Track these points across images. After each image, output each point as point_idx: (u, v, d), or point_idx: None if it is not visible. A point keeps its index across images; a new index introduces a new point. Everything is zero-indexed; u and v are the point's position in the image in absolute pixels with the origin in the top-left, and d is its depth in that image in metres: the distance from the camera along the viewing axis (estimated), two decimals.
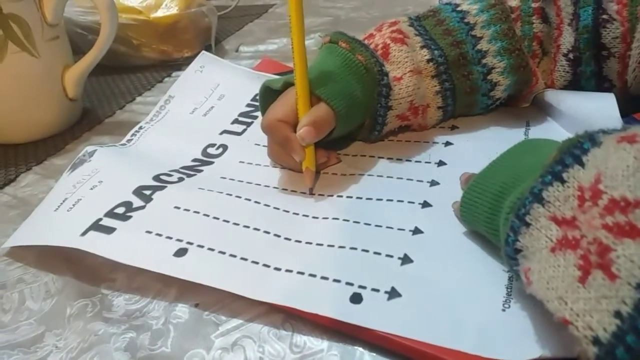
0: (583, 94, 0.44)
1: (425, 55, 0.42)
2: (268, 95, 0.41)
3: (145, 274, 0.32)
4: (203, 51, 0.57)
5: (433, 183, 0.38)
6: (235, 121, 0.49)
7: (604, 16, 0.43)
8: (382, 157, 0.41)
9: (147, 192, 0.37)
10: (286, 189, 0.38)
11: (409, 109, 0.42)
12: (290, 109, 0.38)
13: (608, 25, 0.43)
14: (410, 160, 0.41)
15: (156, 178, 0.39)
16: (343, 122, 0.39)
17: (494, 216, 0.29)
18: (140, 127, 0.49)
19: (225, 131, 0.48)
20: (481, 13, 0.44)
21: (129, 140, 0.48)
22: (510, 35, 0.43)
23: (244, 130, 0.48)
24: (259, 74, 0.55)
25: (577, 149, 0.24)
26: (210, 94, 0.53)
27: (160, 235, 0.33)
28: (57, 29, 0.51)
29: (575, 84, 0.45)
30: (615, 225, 0.21)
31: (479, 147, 0.42)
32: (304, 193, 0.38)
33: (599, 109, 0.42)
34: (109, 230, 0.34)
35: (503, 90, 0.44)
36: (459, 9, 0.45)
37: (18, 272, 0.35)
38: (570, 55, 0.44)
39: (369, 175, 0.39)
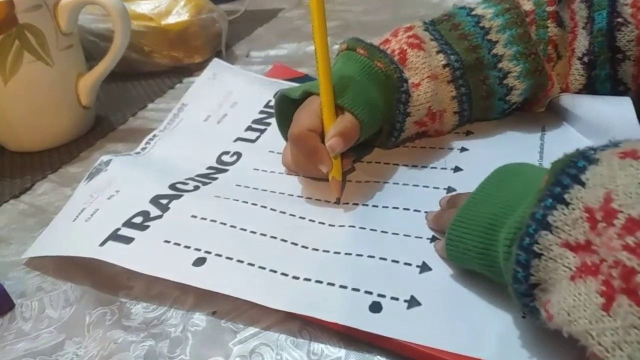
0: (599, 97, 0.44)
1: (442, 61, 0.42)
2: (285, 104, 0.41)
3: (163, 282, 0.32)
4: (215, 58, 0.57)
5: (449, 190, 0.38)
6: (249, 128, 0.49)
7: (619, 19, 0.43)
8: (398, 164, 0.41)
9: (164, 201, 0.37)
10: (310, 198, 0.38)
11: (427, 114, 0.42)
12: (318, 119, 0.37)
13: (623, 29, 0.43)
14: (426, 167, 0.41)
15: (172, 187, 0.39)
16: (366, 130, 0.39)
17: (488, 251, 0.27)
18: (154, 135, 0.49)
19: (239, 138, 0.48)
20: (496, 17, 0.43)
21: (143, 149, 0.48)
22: (525, 40, 0.43)
23: (258, 137, 0.48)
24: (271, 81, 0.55)
25: (572, 168, 0.23)
26: (223, 101, 0.53)
27: (178, 244, 0.33)
28: (71, 38, 0.51)
29: (590, 88, 0.45)
30: (638, 245, 0.20)
31: (495, 152, 0.42)
32: (320, 201, 0.38)
33: (615, 112, 0.42)
34: (128, 240, 0.34)
35: (519, 94, 0.44)
36: (473, 13, 0.44)
37: (37, 281, 0.35)
38: (585, 59, 0.44)
39: (385, 182, 0.39)
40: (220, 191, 0.39)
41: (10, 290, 0.34)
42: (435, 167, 0.41)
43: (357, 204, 0.37)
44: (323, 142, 0.37)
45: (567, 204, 0.22)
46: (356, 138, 0.38)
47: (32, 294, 0.34)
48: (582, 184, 0.22)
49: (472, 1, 0.48)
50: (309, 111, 0.38)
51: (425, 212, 0.35)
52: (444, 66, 0.42)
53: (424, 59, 0.42)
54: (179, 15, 0.64)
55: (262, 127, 0.49)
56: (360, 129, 0.38)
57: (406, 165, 0.41)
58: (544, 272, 0.23)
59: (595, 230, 0.21)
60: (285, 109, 0.42)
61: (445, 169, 0.40)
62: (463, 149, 0.43)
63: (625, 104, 0.41)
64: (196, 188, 0.39)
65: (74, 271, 0.35)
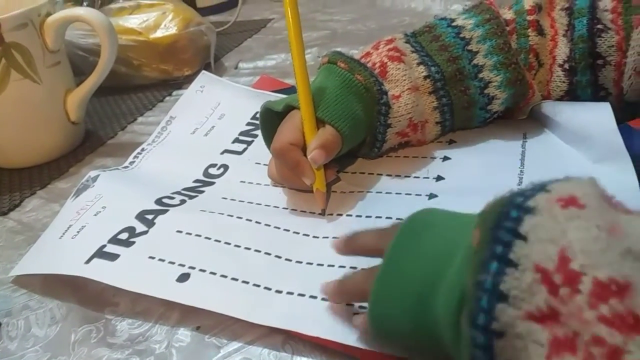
0: (579, 104, 0.45)
1: (422, 72, 0.43)
2: (269, 117, 0.42)
3: (148, 298, 0.32)
4: (203, 71, 0.58)
5: (431, 196, 0.38)
6: (236, 140, 0.49)
7: (599, 26, 0.44)
8: (382, 174, 0.42)
9: (150, 217, 0.38)
10: (295, 210, 0.39)
11: (408, 125, 0.42)
12: (300, 133, 0.38)
13: (603, 35, 0.43)
14: (409, 176, 0.41)
15: (158, 201, 0.40)
16: (348, 142, 0.39)
17: (421, 328, 0.23)
18: (142, 149, 0.50)
19: (226, 150, 0.48)
20: (477, 28, 0.44)
21: (131, 163, 0.48)
22: (506, 50, 0.43)
23: (245, 149, 0.48)
24: (259, 92, 0.56)
25: (507, 221, 0.20)
26: (210, 113, 0.53)
27: (163, 260, 0.34)
28: (58, 55, 0.52)
29: (571, 94, 0.46)
30: (617, 317, 0.17)
31: (477, 161, 0.42)
32: (305, 212, 0.38)
33: (595, 119, 0.42)
34: (113, 257, 0.34)
35: (500, 103, 0.44)
36: (454, 24, 0.45)
37: (24, 299, 0.36)
38: (566, 66, 0.45)
39: (368, 192, 0.40)
40: (206, 205, 0.39)
41: None
42: (418, 177, 0.41)
43: (341, 215, 0.37)
44: (305, 155, 0.37)
45: (515, 266, 0.19)
46: (337, 150, 0.38)
47: (18, 312, 0.35)
48: (524, 239, 0.19)
49: (454, 10, 0.49)
50: (291, 125, 0.38)
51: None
52: (425, 77, 0.43)
53: (404, 72, 0.42)
54: (167, 29, 0.65)
55: (249, 139, 0.49)
56: (341, 140, 0.38)
57: (389, 175, 0.42)
58: (512, 352, 0.19)
59: (558, 296, 0.18)
60: (269, 121, 0.42)
61: (427, 177, 0.41)
62: (445, 158, 0.43)
63: (604, 110, 0.42)
64: (182, 202, 0.40)
65: (60, 289, 0.36)
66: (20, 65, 0.48)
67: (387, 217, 0.36)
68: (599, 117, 0.42)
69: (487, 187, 0.38)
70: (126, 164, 0.48)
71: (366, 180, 0.41)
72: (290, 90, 0.58)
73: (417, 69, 0.43)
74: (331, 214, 0.38)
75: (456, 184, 0.40)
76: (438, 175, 0.41)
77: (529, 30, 0.45)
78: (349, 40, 0.78)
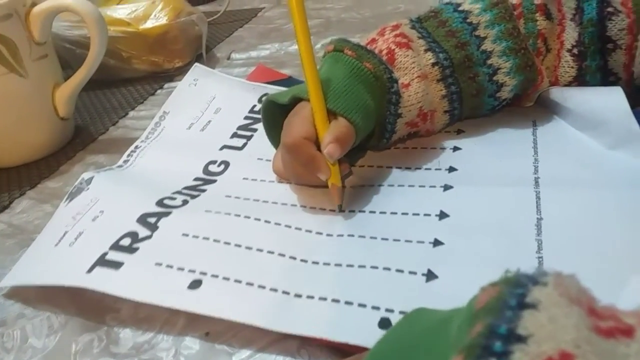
0: (589, 89, 0.44)
1: (430, 59, 0.41)
2: (272, 110, 0.40)
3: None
4: (196, 64, 0.56)
5: (446, 187, 0.37)
6: (235, 135, 0.48)
7: (609, 9, 0.42)
8: (392, 167, 0.40)
9: (152, 220, 0.36)
10: (304, 206, 0.37)
11: (418, 115, 0.41)
12: (312, 126, 0.36)
13: (614, 18, 0.42)
14: (420, 168, 0.40)
15: (160, 203, 0.37)
16: (360, 134, 0.37)
17: None
18: (137, 147, 0.48)
19: (225, 146, 0.46)
20: (484, 12, 0.42)
21: (125, 161, 0.46)
22: (515, 35, 0.42)
23: (245, 144, 0.46)
24: (255, 85, 0.54)
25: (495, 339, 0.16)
26: (206, 107, 0.51)
27: (171, 267, 0.32)
28: (45, 47, 0.49)
29: (580, 79, 0.44)
30: None
31: (488, 151, 0.41)
32: (315, 209, 0.37)
33: (607, 103, 0.41)
34: (117, 265, 0.32)
35: (510, 90, 0.43)
36: (460, 8, 0.43)
37: (18, 307, 0.34)
38: (575, 51, 0.44)
39: (380, 186, 0.38)
40: (210, 204, 0.37)
41: None
42: (430, 168, 0.40)
43: (353, 211, 0.36)
44: (318, 149, 0.36)
45: None
46: (352, 143, 0.37)
47: (13, 322, 0.32)
48: (524, 341, 0.16)
49: None
50: (301, 118, 0.36)
51: (426, 214, 0.34)
52: (433, 65, 0.41)
53: (412, 59, 0.40)
54: (158, 19, 0.62)
55: (248, 134, 0.48)
56: (355, 133, 0.36)
57: (400, 168, 0.40)
58: None
59: None
60: (272, 115, 0.40)
61: (439, 169, 0.39)
62: (456, 148, 0.42)
63: (616, 94, 0.41)
64: (184, 203, 0.38)
65: (57, 295, 0.33)
66: (5, 58, 0.45)
67: (402, 213, 0.35)
68: (611, 101, 0.41)
69: (502, 176, 0.38)
70: (120, 162, 0.46)
71: (377, 173, 0.40)
72: (287, 81, 0.56)
73: (425, 56, 0.41)
74: (343, 211, 0.36)
75: (470, 175, 0.38)
76: (450, 166, 0.39)
77: (537, 14, 0.44)
78: (344, 28, 0.76)
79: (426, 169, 0.40)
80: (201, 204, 0.38)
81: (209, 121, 0.50)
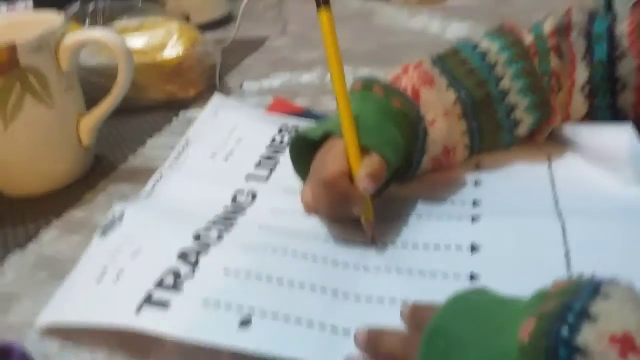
0: (601, 126, 0.46)
1: (453, 96, 0.43)
2: (302, 146, 0.41)
3: None
4: (216, 95, 0.57)
5: (474, 220, 0.38)
6: (258, 165, 0.49)
7: (618, 52, 0.45)
8: (417, 199, 0.42)
9: (192, 257, 0.36)
10: (338, 239, 0.38)
11: (443, 151, 0.42)
12: (346, 162, 0.37)
13: (623, 60, 0.45)
14: (445, 201, 0.41)
15: (197, 237, 0.38)
16: (391, 170, 0.39)
17: None
18: (161, 176, 0.48)
19: (250, 176, 0.47)
20: (502, 51, 0.45)
21: (151, 190, 0.47)
22: (532, 73, 0.44)
23: (269, 175, 0.47)
24: (274, 117, 0.55)
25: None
26: (228, 137, 0.52)
27: (218, 305, 0.32)
28: (72, 77, 0.50)
29: (591, 117, 0.47)
30: None
31: (508, 184, 0.43)
32: (349, 241, 0.38)
33: (618, 141, 0.43)
34: (165, 304, 0.32)
35: (527, 127, 0.45)
36: (479, 49, 0.45)
37: (57, 345, 0.33)
38: (586, 90, 0.46)
39: (408, 217, 0.40)
40: (246, 238, 0.38)
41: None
42: (455, 202, 0.41)
43: (386, 244, 0.37)
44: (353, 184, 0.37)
45: None
46: (384, 178, 0.38)
47: (55, 357, 0.33)
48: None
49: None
50: (336, 154, 0.38)
51: (457, 245, 0.36)
52: (455, 102, 0.43)
53: (437, 96, 0.42)
54: (174, 49, 0.64)
55: (272, 164, 0.49)
56: (387, 168, 0.38)
57: (426, 200, 0.41)
58: None
59: None
60: (301, 149, 0.42)
61: (464, 202, 0.41)
62: (477, 183, 0.43)
63: (627, 131, 0.43)
64: (220, 236, 0.38)
65: (97, 331, 0.33)
66: (36, 90, 0.46)
67: (435, 246, 0.36)
68: (622, 139, 0.44)
69: (524, 211, 0.39)
70: (146, 191, 0.47)
71: (404, 205, 0.41)
72: (305, 114, 0.58)
73: (447, 93, 0.43)
74: (377, 244, 0.37)
75: (494, 208, 0.40)
76: (474, 200, 0.41)
77: (551, 54, 0.46)
78: (350, 60, 0.77)
79: (451, 201, 0.41)
80: (237, 237, 0.38)
81: (232, 151, 0.51)
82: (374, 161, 0.37)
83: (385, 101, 0.41)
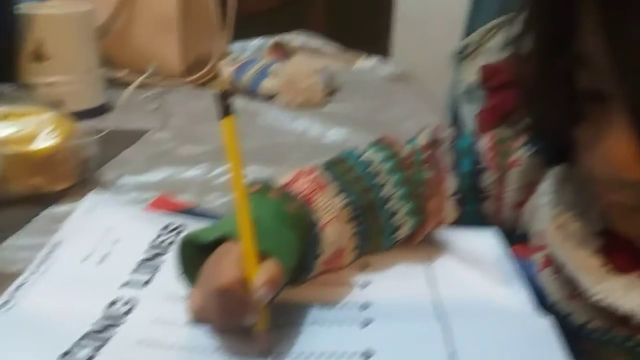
0: (470, 231, 0.51)
1: (342, 201, 0.45)
2: (189, 248, 0.39)
3: None
4: (92, 192, 0.53)
5: (364, 324, 0.39)
6: (137, 270, 0.45)
7: (480, 166, 0.52)
8: (311, 304, 0.41)
9: None
10: (235, 352, 0.36)
11: (334, 254, 0.43)
12: (241, 268, 0.36)
13: (484, 173, 0.51)
14: (336, 305, 0.41)
15: (65, 354, 0.33)
16: (288, 274, 0.38)
17: None
18: (20, 284, 0.42)
19: (127, 283, 0.43)
20: (384, 162, 0.48)
21: (6, 302, 0.40)
22: (410, 182, 0.48)
23: (148, 281, 0.44)
24: (155, 215, 0.53)
25: None
26: (103, 238, 0.48)
27: None
28: None
29: (461, 222, 0.52)
30: None
31: (395, 285, 0.45)
32: (240, 354, 0.36)
33: (485, 243, 0.49)
34: None
35: (406, 230, 0.48)
36: (362, 158, 0.49)
37: None
38: (455, 197, 0.51)
39: (300, 326, 0.39)
40: (121, 355, 0.34)
41: None
42: (345, 306, 0.42)
43: (281, 355, 0.36)
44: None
45: None
46: (282, 284, 0.37)
47: None
48: None
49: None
50: (231, 259, 0.36)
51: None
52: (345, 206, 0.45)
53: (328, 201, 0.44)
54: (47, 140, 0.59)
55: (152, 269, 0.45)
56: (283, 273, 0.37)
57: (317, 304, 0.41)
58: None
59: None
60: (189, 252, 0.40)
61: (355, 304, 0.41)
62: (364, 285, 0.45)
63: (492, 236, 0.49)
64: (91, 356, 0.34)
65: None
66: None
67: (329, 354, 0.36)
68: (488, 243, 0.49)
69: (408, 313, 0.41)
70: (1, 302, 0.40)
71: (297, 310, 0.40)
72: (189, 211, 0.56)
73: (337, 198, 0.45)
74: (272, 354, 0.35)
75: (382, 310, 0.41)
76: (364, 303, 0.42)
77: (424, 165, 0.51)
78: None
79: (342, 305, 0.41)
80: (112, 356, 0.34)
81: (107, 253, 0.47)
82: (271, 267, 0.36)
83: (281, 205, 0.41)
